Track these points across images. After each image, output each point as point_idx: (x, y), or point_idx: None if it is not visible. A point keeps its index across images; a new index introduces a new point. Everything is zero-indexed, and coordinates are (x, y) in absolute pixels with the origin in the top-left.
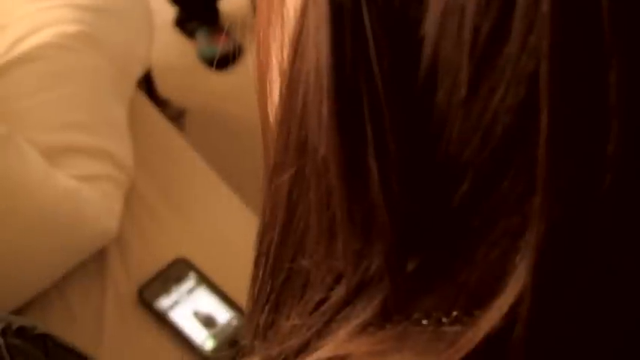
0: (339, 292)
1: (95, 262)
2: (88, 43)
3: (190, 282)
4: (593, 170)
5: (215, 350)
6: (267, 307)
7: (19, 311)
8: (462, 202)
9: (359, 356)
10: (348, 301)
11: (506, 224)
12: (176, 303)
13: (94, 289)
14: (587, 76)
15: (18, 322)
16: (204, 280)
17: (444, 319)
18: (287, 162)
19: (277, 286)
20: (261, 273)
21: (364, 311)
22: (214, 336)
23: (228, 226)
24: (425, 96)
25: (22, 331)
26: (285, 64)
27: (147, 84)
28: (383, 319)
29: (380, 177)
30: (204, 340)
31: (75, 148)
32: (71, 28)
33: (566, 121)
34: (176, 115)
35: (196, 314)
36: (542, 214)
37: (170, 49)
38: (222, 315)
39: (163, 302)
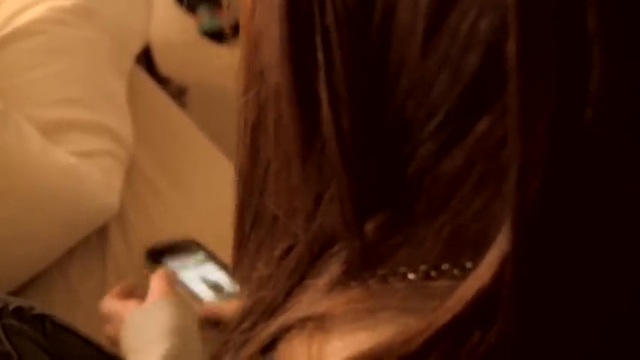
0: (306, 240)
1: (96, 239)
2: (83, 17)
3: (199, 256)
4: (572, 104)
5: None
6: (242, 254)
7: (20, 290)
8: (429, 146)
9: (339, 315)
10: (311, 251)
11: (483, 170)
12: (184, 267)
13: (95, 266)
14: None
15: (15, 302)
16: (214, 257)
17: (411, 275)
18: (248, 93)
19: (247, 230)
20: (236, 218)
21: (332, 266)
22: (221, 300)
23: (230, 201)
24: (383, 23)
25: (19, 312)
26: None
27: (147, 61)
28: (350, 276)
29: (331, 107)
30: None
31: (73, 123)
32: (67, 2)
33: (537, 48)
34: (177, 93)
35: (204, 280)
36: (518, 156)
37: (170, 26)
38: (230, 286)
39: (171, 264)
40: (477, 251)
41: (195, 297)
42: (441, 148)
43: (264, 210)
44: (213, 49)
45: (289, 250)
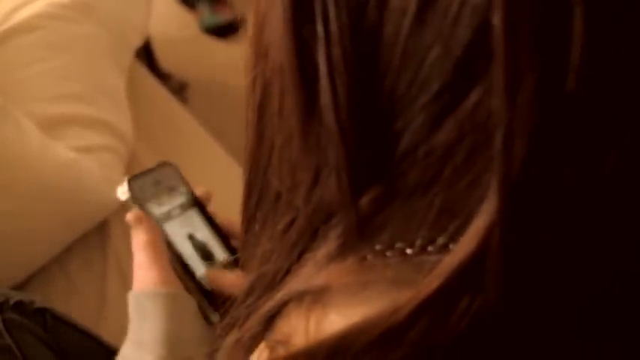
0: (305, 213)
1: (96, 235)
2: (82, 12)
3: (183, 196)
4: (556, 73)
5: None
6: (249, 233)
7: (21, 285)
8: (421, 119)
9: (336, 288)
10: (311, 224)
11: (474, 141)
12: (168, 216)
13: (95, 261)
14: None
15: (16, 296)
16: (197, 200)
17: (408, 250)
18: (254, 72)
19: (253, 208)
20: (244, 197)
21: (329, 239)
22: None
23: (232, 197)
24: (378, 1)
25: (20, 306)
26: None
27: (148, 57)
28: (347, 248)
29: (329, 80)
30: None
31: (72, 118)
32: None
33: (521, 20)
34: (178, 88)
35: (191, 239)
36: (504, 124)
37: (171, 22)
38: (218, 248)
39: (154, 209)
40: (451, 227)
41: (184, 265)
42: (433, 120)
43: (269, 186)
44: (214, 45)
45: (291, 224)
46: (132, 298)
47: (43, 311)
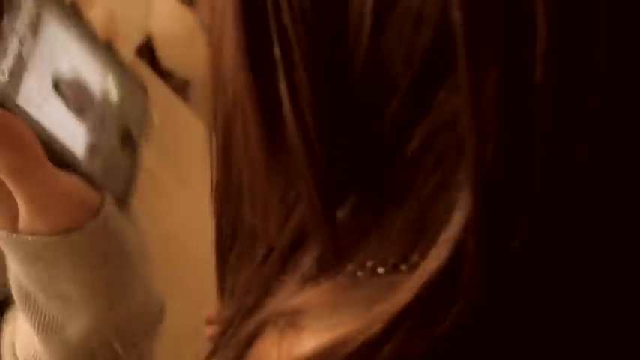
0: (281, 242)
1: None
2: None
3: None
4: (520, 66)
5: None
6: (223, 267)
7: None
8: (390, 126)
9: (310, 311)
10: (288, 253)
11: (442, 145)
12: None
13: None
14: None
15: None
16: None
17: (380, 269)
18: (216, 104)
19: (225, 239)
20: (216, 231)
21: (303, 262)
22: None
23: None
24: (337, 9)
25: None
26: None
27: (150, 55)
28: (322, 270)
29: (291, 103)
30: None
31: None
32: None
33: (480, 13)
34: (180, 86)
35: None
36: (470, 123)
37: (173, 20)
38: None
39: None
40: (422, 243)
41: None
42: (403, 128)
43: (242, 218)
44: None
45: (268, 254)
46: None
47: None
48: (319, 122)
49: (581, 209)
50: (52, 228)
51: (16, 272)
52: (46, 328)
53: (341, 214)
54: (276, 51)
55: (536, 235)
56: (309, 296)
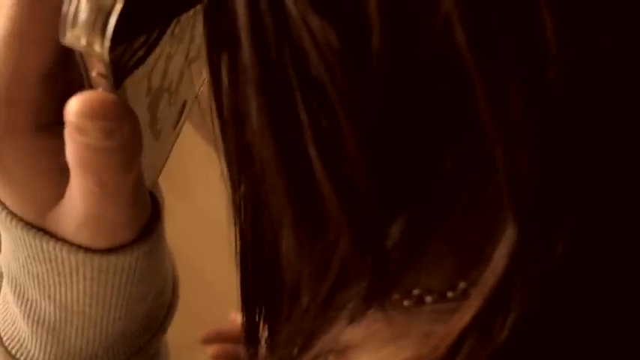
0: (323, 290)
1: None
2: None
3: None
4: (537, 73)
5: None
6: (259, 317)
7: None
8: (429, 156)
9: (360, 345)
10: (332, 296)
11: (476, 167)
12: None
13: None
14: None
15: None
16: None
17: (428, 298)
18: (238, 170)
19: (264, 295)
20: (243, 293)
21: (349, 302)
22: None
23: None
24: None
25: None
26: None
27: None
28: (369, 304)
29: (324, 167)
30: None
31: None
32: None
33: (486, 31)
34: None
35: None
36: (499, 144)
37: None
38: None
39: None
40: (467, 271)
41: None
42: (439, 154)
43: (279, 279)
44: None
45: (311, 302)
46: None
47: None
48: (357, 180)
49: (619, 205)
50: (103, 243)
51: (7, 256)
52: (35, 323)
53: (386, 246)
54: (302, 114)
55: (579, 237)
56: (358, 331)
